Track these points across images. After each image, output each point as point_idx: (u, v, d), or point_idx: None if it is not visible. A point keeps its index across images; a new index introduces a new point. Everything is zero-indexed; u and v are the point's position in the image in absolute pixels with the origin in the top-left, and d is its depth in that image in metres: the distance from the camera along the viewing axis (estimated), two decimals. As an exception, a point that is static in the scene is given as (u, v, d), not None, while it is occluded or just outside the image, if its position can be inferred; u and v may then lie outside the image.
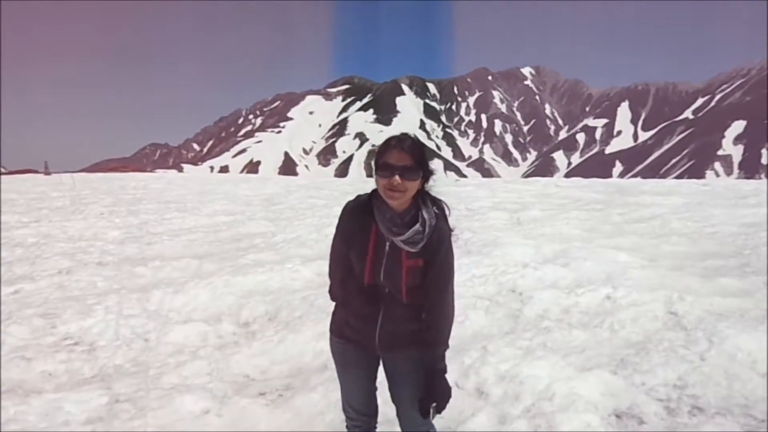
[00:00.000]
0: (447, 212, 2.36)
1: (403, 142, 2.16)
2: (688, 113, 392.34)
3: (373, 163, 2.22)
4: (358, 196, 2.37)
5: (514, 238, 9.10)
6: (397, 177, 2.11)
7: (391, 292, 2.32)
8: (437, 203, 2.33)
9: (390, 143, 2.18)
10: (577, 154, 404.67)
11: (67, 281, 6.95)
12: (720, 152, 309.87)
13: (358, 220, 2.30)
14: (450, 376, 4.07)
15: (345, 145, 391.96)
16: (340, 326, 2.50)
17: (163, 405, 3.76)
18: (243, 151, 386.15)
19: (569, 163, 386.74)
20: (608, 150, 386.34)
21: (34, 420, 3.56)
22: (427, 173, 2.23)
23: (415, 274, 2.29)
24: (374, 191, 2.28)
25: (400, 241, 2.21)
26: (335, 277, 2.53)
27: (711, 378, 3.90)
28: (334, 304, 2.58)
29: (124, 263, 8.04)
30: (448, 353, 4.44)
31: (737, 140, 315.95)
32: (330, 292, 2.62)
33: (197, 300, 6.17)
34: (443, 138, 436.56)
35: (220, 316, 5.80)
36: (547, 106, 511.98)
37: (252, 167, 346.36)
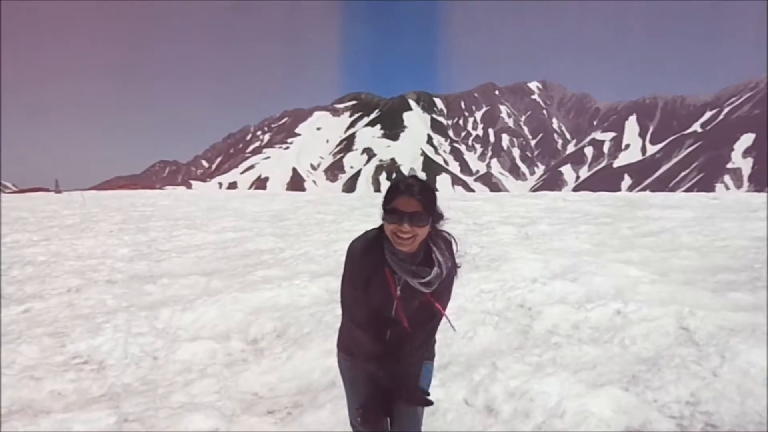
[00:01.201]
0: (455, 248, 2.36)
1: (411, 187, 2.13)
2: (696, 126, 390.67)
3: (381, 205, 2.20)
4: (365, 235, 2.33)
5: (523, 253, 9.06)
6: (406, 224, 2.10)
7: (397, 323, 2.36)
8: (446, 241, 2.33)
9: (399, 188, 2.15)
10: (585, 167, 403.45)
11: (77, 299, 6.98)
12: (729, 165, 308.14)
13: (372, 263, 2.26)
14: (459, 393, 4.08)
15: (353, 161, 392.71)
16: (346, 342, 2.55)
17: (172, 424, 3.76)
18: (251, 167, 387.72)
19: (577, 177, 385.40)
20: (616, 164, 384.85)
21: (43, 439, 3.56)
22: (436, 218, 2.23)
23: (426, 310, 2.34)
24: (382, 230, 2.25)
25: (419, 283, 2.21)
26: (359, 317, 2.39)
27: (724, 394, 3.85)
28: (341, 320, 2.59)
29: (133, 281, 8.07)
30: (456, 369, 4.43)
31: (746, 153, 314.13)
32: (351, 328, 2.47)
33: (206, 317, 6.18)
34: (450, 152, 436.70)
35: (228, 333, 5.80)
36: (554, 120, 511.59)
37: (260, 183, 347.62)
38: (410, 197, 2.11)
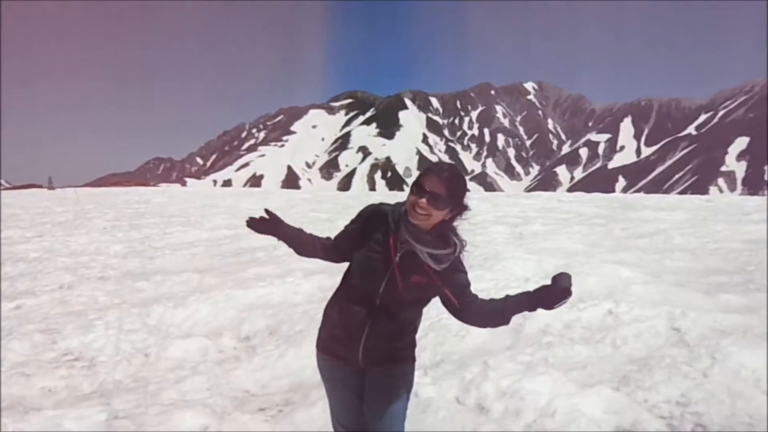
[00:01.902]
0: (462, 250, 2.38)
1: (443, 171, 2.21)
2: (691, 129, 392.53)
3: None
4: (382, 203, 2.41)
5: (516, 253, 9.08)
6: (424, 200, 2.16)
7: (383, 306, 2.33)
8: (460, 237, 2.35)
9: (433, 168, 2.23)
10: (580, 168, 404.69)
11: (69, 296, 6.94)
12: (723, 168, 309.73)
13: (379, 223, 2.33)
14: (451, 391, 4.09)
15: (348, 159, 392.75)
16: (325, 339, 2.52)
17: (162, 421, 3.74)
18: (246, 164, 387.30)
19: (572, 178, 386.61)
20: (611, 165, 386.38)
21: (33, 436, 3.54)
22: (459, 209, 2.27)
23: (418, 290, 2.32)
24: (400, 204, 2.33)
25: (428, 253, 2.23)
26: (329, 254, 2.60)
27: (714, 395, 3.87)
28: (322, 319, 2.59)
29: (125, 278, 8.04)
30: (449, 367, 4.43)
31: (740, 156, 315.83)
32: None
33: (198, 314, 6.16)
34: (446, 152, 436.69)
35: (220, 330, 5.79)
36: (549, 120, 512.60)
37: (255, 181, 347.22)
38: (438, 179, 2.18)
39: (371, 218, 2.36)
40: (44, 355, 4.97)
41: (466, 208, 2.29)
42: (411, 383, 2.52)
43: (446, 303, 2.39)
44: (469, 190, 2.29)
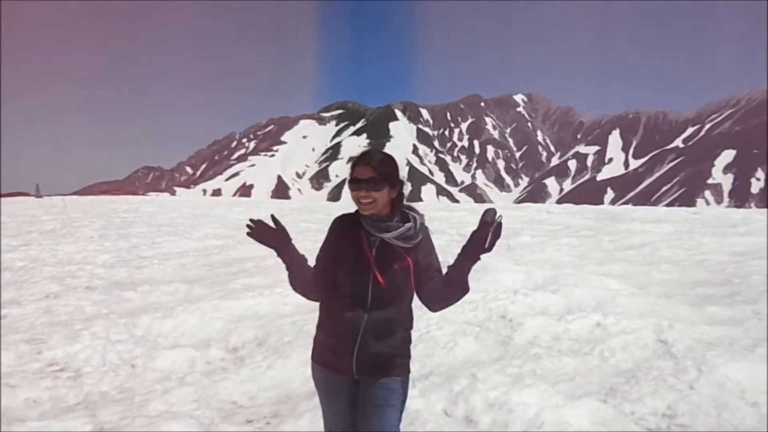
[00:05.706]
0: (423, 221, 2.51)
1: (365, 158, 2.37)
2: (678, 142, 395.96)
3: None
4: (347, 213, 2.52)
5: (505, 264, 9.10)
6: (363, 190, 2.31)
7: (374, 307, 2.36)
8: (415, 210, 2.49)
9: (357, 160, 2.38)
10: (569, 180, 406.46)
11: (55, 306, 6.89)
12: (710, 181, 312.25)
13: (348, 230, 2.44)
14: (439, 404, 4.09)
15: (338, 170, 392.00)
16: (319, 350, 2.54)
17: (149, 433, 3.72)
18: (236, 174, 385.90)
19: (561, 190, 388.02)
20: (599, 177, 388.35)
21: (17, 448, 3.51)
22: (395, 184, 2.39)
23: (402, 276, 2.39)
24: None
25: (394, 237, 2.35)
26: (321, 286, 2.49)
27: (700, 407, 3.89)
28: (316, 329, 2.60)
29: (113, 287, 7.98)
30: (437, 379, 4.43)
31: (727, 169, 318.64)
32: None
33: (186, 325, 6.13)
34: (436, 163, 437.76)
35: (208, 341, 5.76)
36: (539, 132, 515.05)
37: (245, 191, 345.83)
38: (366, 166, 2.34)
39: (340, 227, 2.48)
40: (29, 365, 4.93)
41: (402, 181, 2.43)
42: (405, 396, 2.51)
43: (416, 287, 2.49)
44: (394, 162, 2.41)
